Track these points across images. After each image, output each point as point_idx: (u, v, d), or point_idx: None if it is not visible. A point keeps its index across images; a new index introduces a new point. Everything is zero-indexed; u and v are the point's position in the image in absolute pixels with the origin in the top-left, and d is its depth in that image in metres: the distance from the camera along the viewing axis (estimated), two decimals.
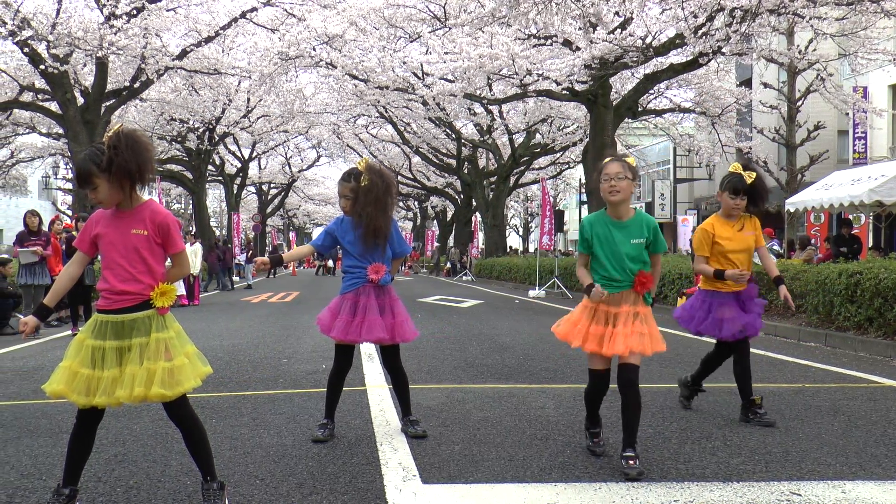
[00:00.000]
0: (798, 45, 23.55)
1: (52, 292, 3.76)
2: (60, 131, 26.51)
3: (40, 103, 23.64)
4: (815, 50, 23.35)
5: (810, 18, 17.19)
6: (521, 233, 71.58)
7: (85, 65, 23.27)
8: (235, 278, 28.43)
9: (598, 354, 4.51)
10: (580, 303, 4.68)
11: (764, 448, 4.80)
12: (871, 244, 21.29)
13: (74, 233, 12.84)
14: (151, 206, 3.69)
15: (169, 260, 3.77)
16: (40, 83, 22.74)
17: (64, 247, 12.76)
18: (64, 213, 40.07)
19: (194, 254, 19.07)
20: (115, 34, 20.20)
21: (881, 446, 4.85)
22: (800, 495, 3.91)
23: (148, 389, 3.49)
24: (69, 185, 40.49)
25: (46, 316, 3.79)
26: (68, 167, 39.06)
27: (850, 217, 18.03)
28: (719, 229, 5.55)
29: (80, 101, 22.10)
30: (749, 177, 5.41)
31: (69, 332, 12.03)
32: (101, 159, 3.49)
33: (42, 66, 20.22)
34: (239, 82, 30.96)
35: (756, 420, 5.40)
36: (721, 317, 5.52)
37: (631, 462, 4.23)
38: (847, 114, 28.37)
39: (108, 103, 22.79)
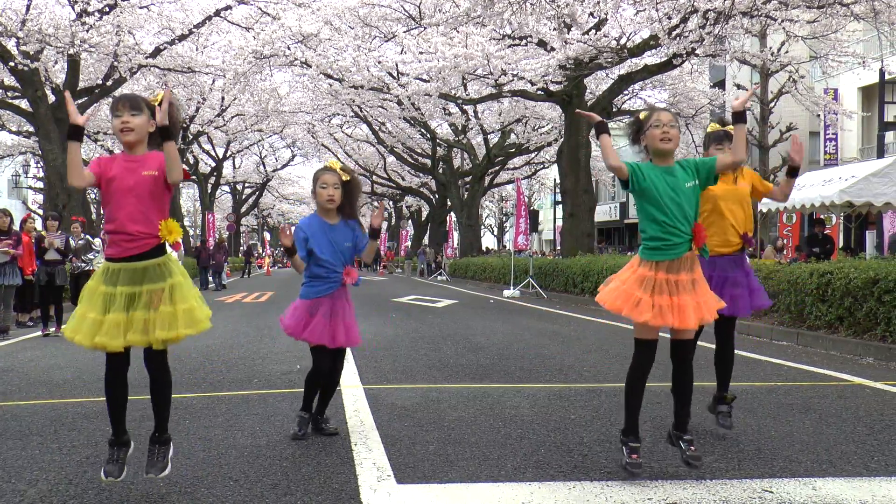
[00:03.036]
0: (770, 48, 23.83)
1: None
2: (31, 129, 26.24)
3: (10, 101, 23.36)
4: (787, 52, 23.61)
5: (782, 21, 17.40)
6: (495, 233, 71.71)
7: (56, 62, 23.01)
8: (209, 279, 28.29)
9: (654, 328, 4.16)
10: (629, 269, 4.31)
11: (737, 446, 4.84)
12: (841, 244, 21.54)
13: (44, 233, 12.68)
14: (158, 154, 3.88)
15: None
16: (10, 80, 22.48)
17: (35, 248, 12.60)
18: (35, 212, 39.61)
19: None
20: (87, 31, 20.02)
21: (850, 443, 4.91)
22: (772, 492, 3.94)
23: (173, 331, 3.80)
24: (40, 185, 40.04)
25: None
26: (39, 166, 38.62)
27: (822, 217, 18.20)
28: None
29: (52, 98, 21.87)
30: (729, 129, 5.00)
31: (40, 332, 11.89)
32: (151, 104, 3.86)
33: (11, 64, 19.99)
34: (213, 81, 30.77)
35: (718, 419, 5.18)
36: (734, 292, 5.09)
37: (693, 449, 4.13)
38: (818, 115, 28.70)
39: (80, 101, 22.56)
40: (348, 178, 5.00)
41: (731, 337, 5.27)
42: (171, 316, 3.82)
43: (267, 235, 79.19)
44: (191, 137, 35.68)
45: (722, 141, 5.07)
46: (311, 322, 4.97)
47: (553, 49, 19.53)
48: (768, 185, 5.31)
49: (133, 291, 3.80)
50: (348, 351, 8.91)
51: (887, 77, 23.41)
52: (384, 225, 73.67)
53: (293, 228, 5.13)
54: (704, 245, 4.23)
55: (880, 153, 23.04)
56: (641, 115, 4.31)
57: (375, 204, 5.76)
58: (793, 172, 5.01)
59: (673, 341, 4.29)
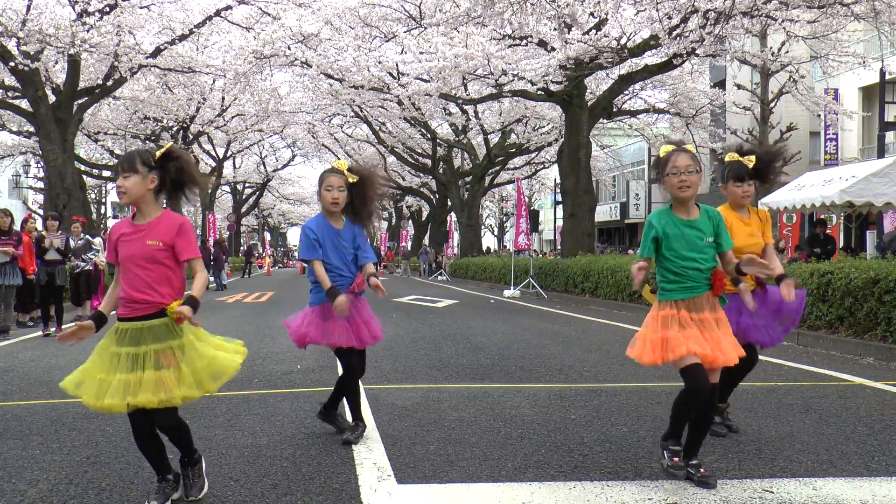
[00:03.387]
0: (771, 48, 23.81)
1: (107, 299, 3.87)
2: (31, 129, 26.22)
3: (10, 101, 23.34)
4: (787, 52, 23.60)
5: (783, 21, 17.40)
6: (496, 233, 71.71)
7: (56, 62, 23.00)
8: (210, 278, 28.29)
9: (700, 358, 3.98)
10: (650, 317, 4.21)
11: (737, 446, 4.84)
12: (841, 244, 21.54)
13: (44, 233, 12.67)
14: (168, 216, 3.80)
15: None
16: (10, 80, 22.46)
17: (36, 248, 12.60)
18: (35, 212, 39.61)
19: None
20: (88, 31, 20.00)
21: (851, 443, 4.91)
22: (772, 492, 3.95)
23: (171, 393, 3.63)
24: (40, 185, 40.04)
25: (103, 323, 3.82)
26: (39, 166, 38.62)
27: (823, 217, 18.19)
28: (734, 224, 4.88)
29: (52, 98, 21.87)
30: (749, 161, 4.90)
31: (40, 332, 11.89)
32: (151, 158, 3.72)
33: (12, 64, 19.96)
34: (213, 81, 30.74)
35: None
36: (753, 321, 4.91)
37: (702, 469, 4.04)
38: (819, 115, 28.70)
39: (80, 101, 22.57)
40: (355, 180, 4.91)
41: (752, 361, 5.08)
42: (194, 371, 3.72)
43: (267, 235, 79.20)
44: (191, 137, 35.66)
45: (743, 179, 4.90)
46: (330, 327, 4.88)
47: (553, 49, 19.52)
48: (769, 238, 5.11)
49: (137, 352, 3.67)
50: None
51: (888, 77, 23.39)
52: (384, 224, 73.72)
53: (306, 233, 4.95)
54: (723, 294, 4.17)
55: (881, 153, 23.00)
56: (661, 153, 4.19)
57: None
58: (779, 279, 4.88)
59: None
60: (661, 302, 4.17)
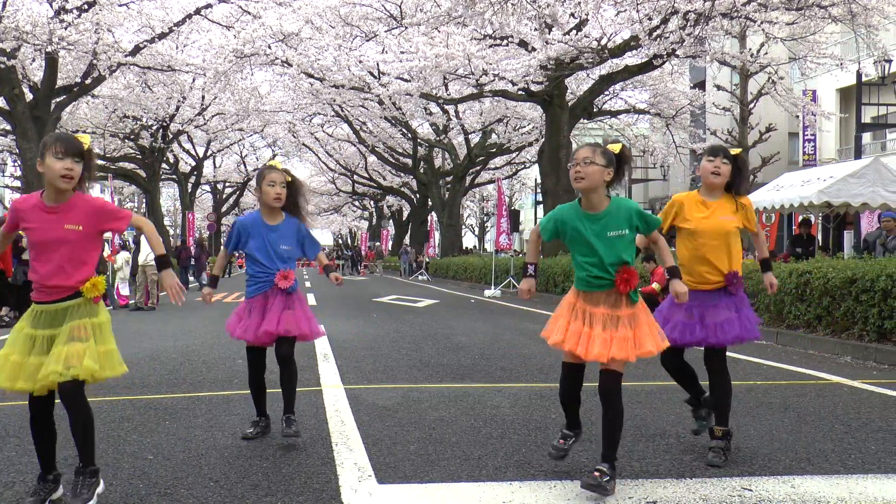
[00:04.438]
0: (750, 49, 23.99)
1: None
2: (8, 128, 25.95)
3: None
4: (766, 53, 23.79)
5: (762, 22, 17.53)
6: (476, 232, 71.75)
7: (34, 60, 22.78)
8: (190, 278, 28.13)
9: (574, 354, 4.08)
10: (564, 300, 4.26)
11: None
12: (819, 244, 21.71)
13: (21, 232, 12.53)
14: (82, 198, 3.74)
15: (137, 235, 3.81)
16: None
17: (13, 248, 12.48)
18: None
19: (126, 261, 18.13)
20: (66, 29, 19.83)
21: (828, 441, 4.95)
22: (751, 490, 3.97)
23: (79, 362, 3.57)
24: (17, 183, 39.67)
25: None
26: (16, 164, 38.23)
27: (809, 218, 18.34)
28: (690, 206, 4.71)
29: (30, 96, 21.67)
30: (734, 152, 4.75)
31: None
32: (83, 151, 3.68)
33: None
34: (193, 79, 30.58)
35: (709, 455, 4.63)
36: (717, 320, 4.60)
37: (596, 475, 3.82)
38: (797, 116, 28.95)
39: (58, 99, 22.37)
40: (290, 179, 5.06)
41: (721, 370, 4.66)
42: (99, 353, 3.68)
43: None
44: (171, 136, 35.46)
45: (717, 154, 4.68)
46: (243, 322, 5.07)
47: (534, 49, 19.57)
48: (753, 227, 4.82)
49: (54, 333, 3.66)
50: (329, 351, 8.91)
51: (864, 79, 23.63)
52: (364, 224, 73.54)
53: (246, 219, 5.14)
54: (633, 291, 4.05)
55: (858, 154, 23.24)
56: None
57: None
58: (764, 266, 5.03)
59: (599, 372, 4.10)
60: (573, 288, 4.24)
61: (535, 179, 38.96)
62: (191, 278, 28.19)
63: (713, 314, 4.61)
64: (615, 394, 4.01)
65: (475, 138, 37.85)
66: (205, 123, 36.17)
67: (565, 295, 4.28)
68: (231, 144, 48.31)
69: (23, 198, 3.86)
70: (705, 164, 4.70)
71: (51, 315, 3.68)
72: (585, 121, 28.31)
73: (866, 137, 28.85)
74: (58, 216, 3.67)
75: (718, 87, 28.31)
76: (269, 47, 23.23)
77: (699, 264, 4.66)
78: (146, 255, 16.78)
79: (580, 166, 4.02)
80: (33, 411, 3.75)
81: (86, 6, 20.41)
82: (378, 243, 55.62)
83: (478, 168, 40.17)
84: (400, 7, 24.03)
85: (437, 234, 43.84)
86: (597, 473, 3.82)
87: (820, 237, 22.99)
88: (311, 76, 25.05)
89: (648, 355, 4.05)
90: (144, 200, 41.96)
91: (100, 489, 3.83)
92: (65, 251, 3.67)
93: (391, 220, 62.23)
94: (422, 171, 41.10)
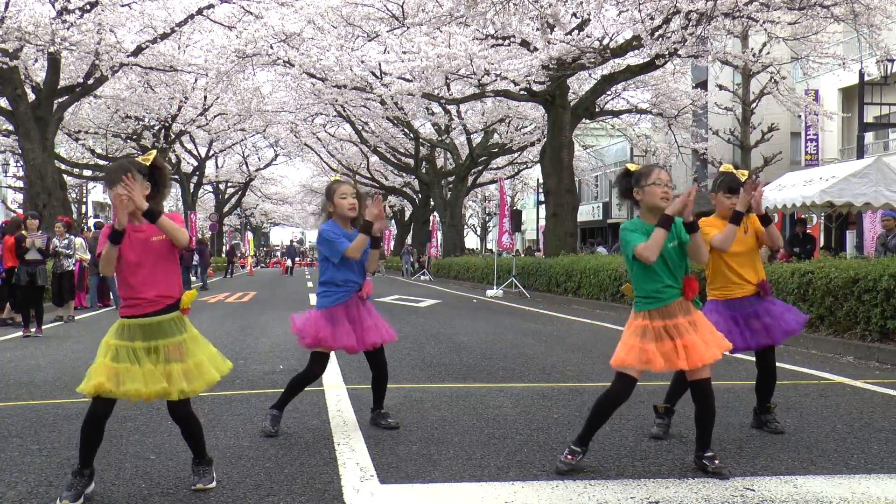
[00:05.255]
0: (752, 49, 23.96)
1: None
2: (10, 128, 25.95)
3: None
4: (768, 53, 23.77)
5: (764, 22, 17.51)
6: (478, 232, 71.72)
7: (36, 60, 22.78)
8: (193, 278, 28.14)
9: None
10: (627, 327, 4.39)
11: (719, 445, 4.86)
12: (822, 244, 21.70)
13: (24, 232, 12.53)
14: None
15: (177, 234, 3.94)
16: None
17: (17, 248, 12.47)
18: (14, 212, 39.27)
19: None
20: (68, 29, 19.83)
21: (831, 441, 4.95)
22: (753, 490, 3.97)
23: (176, 385, 3.84)
24: (20, 184, 39.70)
25: None
26: (19, 165, 38.29)
27: (804, 217, 18.33)
28: (713, 230, 5.08)
29: (32, 97, 21.67)
30: (742, 175, 5.11)
31: (20, 333, 11.79)
32: (145, 168, 3.92)
33: None
34: (195, 80, 30.56)
35: (768, 426, 5.22)
36: (760, 325, 5.12)
37: (717, 461, 4.23)
38: (799, 116, 28.91)
39: (60, 100, 22.38)
40: (357, 191, 5.27)
41: (772, 365, 5.26)
42: (192, 369, 3.92)
43: (250, 235, 78.89)
44: (173, 137, 35.47)
45: (735, 192, 5.05)
46: (336, 330, 5.09)
47: (536, 49, 19.56)
48: (760, 227, 5.21)
49: (152, 346, 3.86)
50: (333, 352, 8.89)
51: (866, 78, 23.61)
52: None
53: (330, 226, 5.15)
54: (696, 298, 4.33)
55: (860, 154, 23.23)
56: (630, 168, 4.40)
57: (370, 196, 5.28)
58: (764, 220, 5.10)
59: (691, 383, 4.30)
60: (636, 313, 4.35)
61: (537, 179, 38.93)
62: (193, 278, 28.22)
63: (756, 317, 5.14)
64: (712, 396, 4.30)
65: (477, 138, 37.83)
66: (207, 124, 36.17)
67: (627, 326, 4.38)
68: (233, 145, 48.36)
69: None
70: (724, 199, 5.11)
71: (145, 328, 3.88)
72: (587, 121, 28.31)
73: (869, 137, 28.82)
74: (145, 232, 3.92)
75: (720, 87, 28.28)
76: (272, 47, 23.24)
77: (723, 280, 5.21)
78: None
79: (667, 188, 4.26)
80: (95, 413, 3.85)
81: (88, 6, 20.41)
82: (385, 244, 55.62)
83: (480, 168, 40.14)
84: (402, 7, 24.01)
85: (439, 234, 43.82)
86: (717, 461, 4.23)
87: (822, 237, 22.98)
88: (313, 76, 25.07)
89: (727, 349, 4.38)
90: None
91: (90, 489, 3.92)
92: (156, 262, 3.95)
93: (393, 221, 62.23)
94: (424, 171, 41.10)
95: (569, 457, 4.29)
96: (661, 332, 4.22)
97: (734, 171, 5.16)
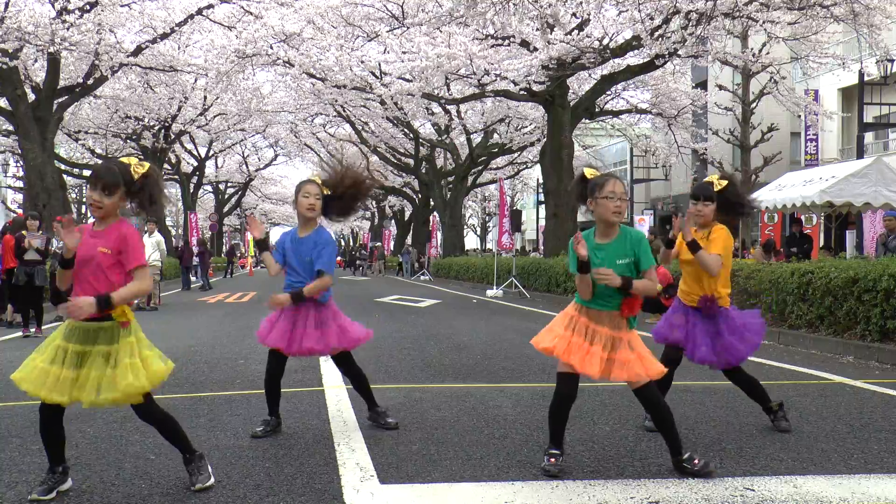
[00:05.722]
0: (752, 49, 23.94)
1: None
2: (10, 128, 25.96)
3: None
4: (768, 53, 23.74)
5: (763, 22, 17.51)
6: (478, 232, 71.71)
7: (36, 60, 22.78)
8: (192, 278, 28.14)
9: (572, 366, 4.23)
10: (560, 313, 4.44)
11: (719, 445, 4.87)
12: (822, 244, 21.71)
13: (24, 232, 12.53)
14: (120, 225, 3.96)
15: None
16: None
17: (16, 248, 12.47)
18: (14, 212, 39.27)
19: (156, 245, 18.00)
20: (68, 29, 19.81)
21: (830, 441, 4.95)
22: (753, 490, 3.97)
23: (115, 393, 3.80)
24: (20, 184, 39.69)
25: None
26: (18, 165, 38.28)
27: (802, 217, 18.32)
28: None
29: (32, 97, 21.66)
30: (719, 184, 5.09)
31: (20, 333, 11.79)
32: (131, 179, 3.94)
33: None
34: (195, 80, 30.58)
35: (776, 425, 5.25)
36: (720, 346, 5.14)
37: (697, 461, 4.20)
38: (799, 116, 28.91)
39: (60, 100, 22.36)
40: (328, 192, 5.19)
41: (742, 379, 5.34)
42: (112, 379, 3.82)
43: (249, 235, 78.91)
44: (173, 137, 35.47)
45: (698, 199, 5.10)
46: (274, 329, 5.12)
47: (536, 49, 19.55)
48: (711, 248, 5.05)
49: (84, 350, 3.85)
50: None
51: (866, 78, 23.61)
52: (366, 225, 73.35)
53: (285, 234, 5.29)
54: (631, 318, 4.27)
55: (860, 154, 23.23)
56: (587, 174, 4.33)
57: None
58: (691, 247, 4.96)
59: (635, 392, 4.28)
60: (574, 303, 4.38)
61: (537, 179, 38.93)
62: (193, 279, 28.22)
63: (714, 336, 5.15)
64: (659, 402, 4.25)
65: (477, 138, 37.82)
66: (206, 124, 36.18)
67: (564, 309, 4.43)
68: (233, 145, 48.33)
69: None
70: (690, 205, 5.19)
71: (82, 332, 3.87)
72: (587, 121, 28.31)
73: (868, 137, 28.81)
74: (96, 240, 3.91)
75: (720, 87, 28.27)
76: (271, 47, 23.22)
77: (687, 285, 5.25)
78: (148, 255, 16.79)
79: (620, 201, 4.21)
80: (46, 416, 3.89)
81: (88, 7, 20.40)
82: (379, 244, 55.52)
83: (480, 168, 40.12)
84: (402, 7, 24.00)
85: (439, 234, 43.79)
86: (697, 461, 4.19)
87: (822, 237, 23.00)
88: (312, 76, 25.04)
89: (659, 376, 4.26)
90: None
91: (66, 486, 3.97)
92: (97, 272, 3.90)
93: (393, 221, 62.21)
94: (424, 171, 41.08)
95: (551, 461, 4.28)
96: (583, 329, 4.24)
97: (715, 179, 5.17)
